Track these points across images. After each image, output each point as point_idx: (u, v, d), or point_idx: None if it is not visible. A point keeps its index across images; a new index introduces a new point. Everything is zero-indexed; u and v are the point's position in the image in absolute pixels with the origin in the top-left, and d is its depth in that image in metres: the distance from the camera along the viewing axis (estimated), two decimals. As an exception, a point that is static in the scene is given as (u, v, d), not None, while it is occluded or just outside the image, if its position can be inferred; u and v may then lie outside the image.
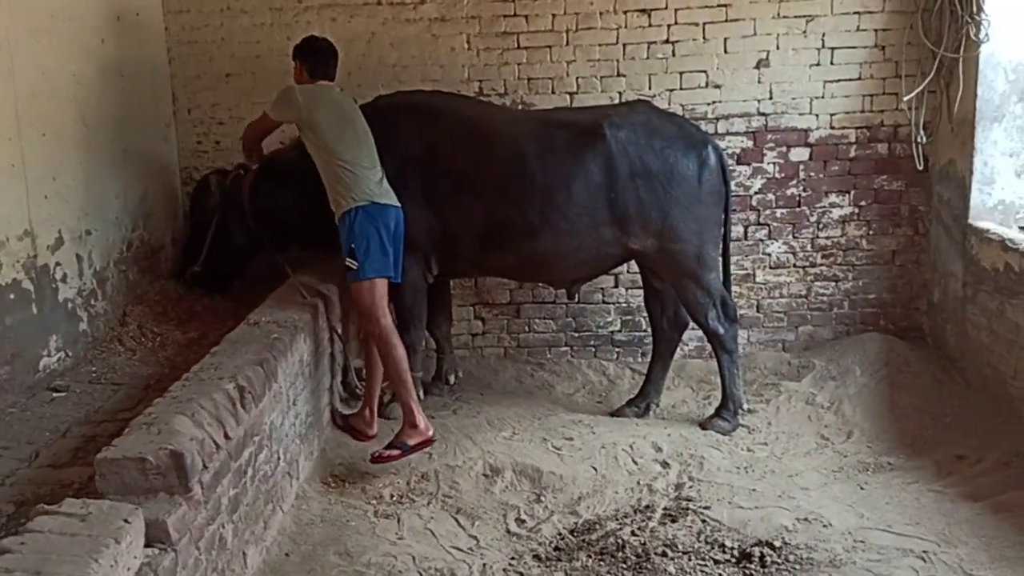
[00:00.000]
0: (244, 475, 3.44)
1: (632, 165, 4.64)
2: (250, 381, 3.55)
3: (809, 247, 5.69)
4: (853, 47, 5.43)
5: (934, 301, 5.56)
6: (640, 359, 5.72)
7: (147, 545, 2.70)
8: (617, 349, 5.88)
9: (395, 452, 4.42)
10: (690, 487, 4.28)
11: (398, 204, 4.51)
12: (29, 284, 4.00)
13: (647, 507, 4.13)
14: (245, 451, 3.45)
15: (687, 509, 4.06)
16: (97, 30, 4.71)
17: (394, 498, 4.28)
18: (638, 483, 4.36)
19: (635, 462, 4.58)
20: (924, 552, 3.61)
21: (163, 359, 4.49)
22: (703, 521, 3.96)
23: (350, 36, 5.54)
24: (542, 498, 4.26)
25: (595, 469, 4.49)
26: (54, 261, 4.22)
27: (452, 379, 5.53)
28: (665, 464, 4.54)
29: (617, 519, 4.04)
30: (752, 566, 3.58)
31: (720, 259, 4.97)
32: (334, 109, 4.51)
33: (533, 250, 4.79)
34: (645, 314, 5.41)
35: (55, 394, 3.96)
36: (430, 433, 4.50)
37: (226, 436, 3.26)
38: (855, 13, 5.38)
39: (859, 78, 5.47)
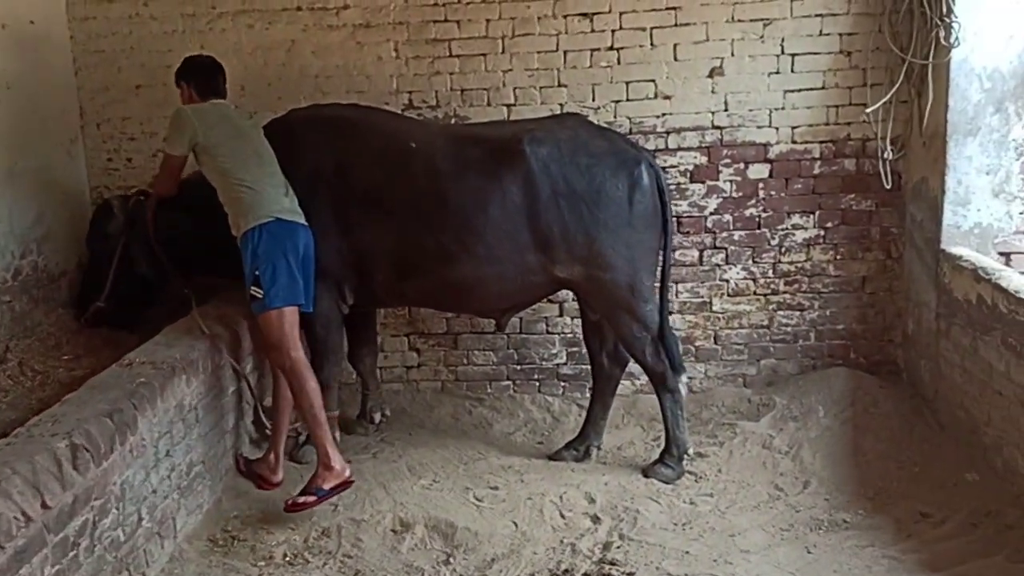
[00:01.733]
0: (75, 547, 2.99)
1: (554, 184, 4.18)
2: (89, 437, 3.11)
3: (771, 273, 5.20)
4: (816, 53, 4.95)
5: (908, 333, 5.05)
6: (588, 394, 5.22)
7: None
8: (563, 383, 5.41)
9: (310, 499, 4.02)
10: (618, 547, 3.81)
11: (306, 224, 4.14)
12: None
13: (566, 571, 3.66)
14: (75, 519, 3.00)
15: (609, 575, 3.58)
16: (-28, 39, 4.30)
17: (287, 558, 3.84)
18: (561, 542, 3.89)
19: (563, 516, 4.11)
20: (867, 637, 3.12)
21: (36, 402, 4.03)
22: (624, 591, 3.49)
23: (269, 44, 5.14)
24: (451, 559, 3.81)
25: (515, 525, 4.03)
26: (-97, 294, 3.80)
27: (378, 417, 5.07)
28: (596, 519, 4.07)
29: (530, 586, 3.58)
30: (666, 651, 3.11)
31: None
32: (229, 125, 4.17)
33: (450, 277, 4.35)
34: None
35: None
36: (347, 474, 4.11)
37: (44, 505, 2.82)
38: (817, 16, 4.90)
39: (823, 87, 4.98)
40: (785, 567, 3.61)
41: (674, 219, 4.81)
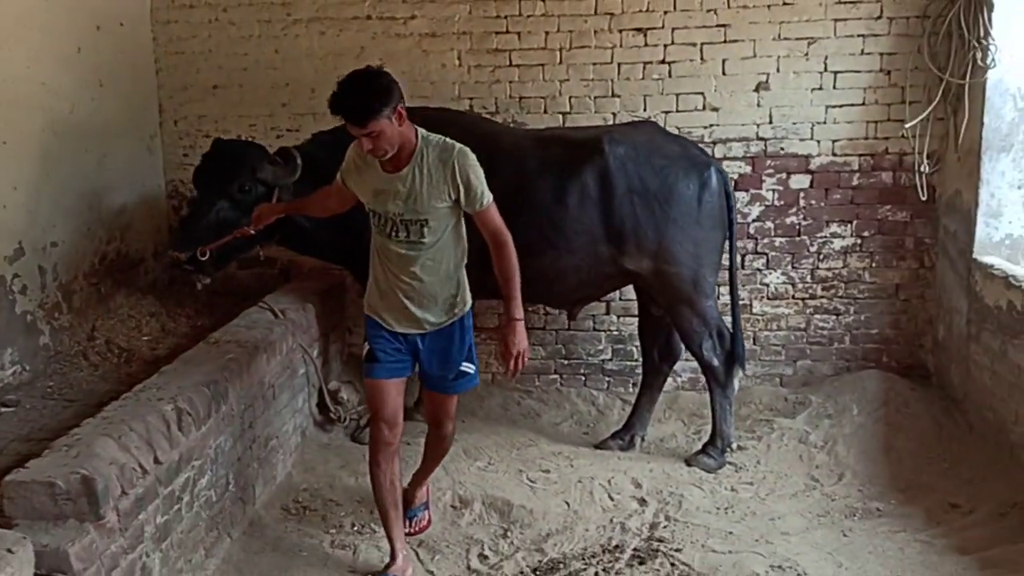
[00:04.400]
0: (179, 501, 3.29)
1: (630, 182, 4.47)
2: (192, 403, 3.41)
3: (809, 278, 5.46)
4: (857, 71, 5.21)
5: (939, 338, 5.29)
6: (631, 389, 5.49)
7: (47, 575, 2.57)
8: (608, 378, 5.68)
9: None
10: (664, 527, 4.07)
11: None
12: (-19, 296, 3.91)
13: (616, 547, 3.91)
14: (180, 476, 3.30)
15: (657, 551, 3.85)
16: (73, 39, 4.63)
17: (355, 528, 4.12)
18: (611, 521, 4.15)
19: (611, 498, 4.37)
20: (902, 609, 3.36)
21: (125, 376, 4.35)
22: (672, 564, 3.74)
23: (339, 50, 5.44)
24: (509, 533, 4.07)
25: (568, 504, 4.29)
26: (11, 273, 4.11)
27: (432, 405, 5.33)
28: (642, 501, 4.32)
29: (583, 559, 3.84)
30: (715, 617, 3.36)
31: (720, 286, 4.83)
32: None
33: (533, 269, 4.58)
34: (637, 343, 5.24)
35: (2, 409, 3.84)
36: None
37: (156, 460, 3.12)
38: (859, 36, 5.16)
39: (863, 103, 5.24)
40: (823, 548, 3.85)
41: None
